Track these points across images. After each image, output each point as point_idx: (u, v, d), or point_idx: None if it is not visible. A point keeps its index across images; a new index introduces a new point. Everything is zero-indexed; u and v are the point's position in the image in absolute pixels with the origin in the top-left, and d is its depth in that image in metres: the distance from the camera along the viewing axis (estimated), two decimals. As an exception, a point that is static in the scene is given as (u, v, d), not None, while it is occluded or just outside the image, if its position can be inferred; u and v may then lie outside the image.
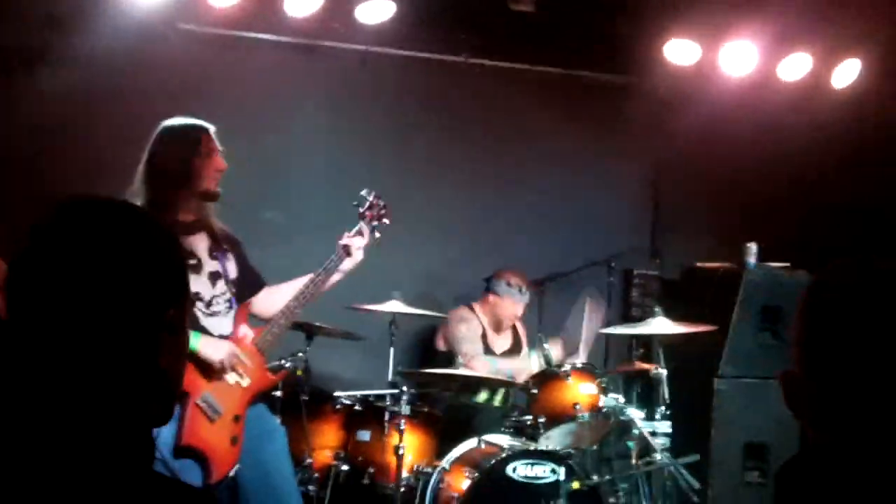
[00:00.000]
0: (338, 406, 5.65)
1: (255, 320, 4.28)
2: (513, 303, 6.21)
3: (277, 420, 4.43)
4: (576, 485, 5.00)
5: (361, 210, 4.35)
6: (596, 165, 7.37)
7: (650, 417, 5.41)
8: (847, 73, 7.17)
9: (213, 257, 4.09)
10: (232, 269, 4.16)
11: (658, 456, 5.31)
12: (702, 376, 6.00)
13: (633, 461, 5.38)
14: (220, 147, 4.09)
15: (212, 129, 4.10)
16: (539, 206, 7.20)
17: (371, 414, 5.59)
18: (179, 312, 1.60)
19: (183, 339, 1.63)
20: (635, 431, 5.40)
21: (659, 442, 5.33)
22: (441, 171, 7.08)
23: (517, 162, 7.28)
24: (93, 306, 1.48)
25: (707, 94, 7.05)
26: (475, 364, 5.86)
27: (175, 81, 6.09)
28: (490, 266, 6.49)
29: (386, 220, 4.40)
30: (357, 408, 5.64)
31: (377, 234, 4.39)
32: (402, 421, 5.26)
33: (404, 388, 5.32)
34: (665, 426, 5.36)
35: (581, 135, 7.35)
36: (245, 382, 4.02)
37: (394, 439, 5.24)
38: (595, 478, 5.18)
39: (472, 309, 6.29)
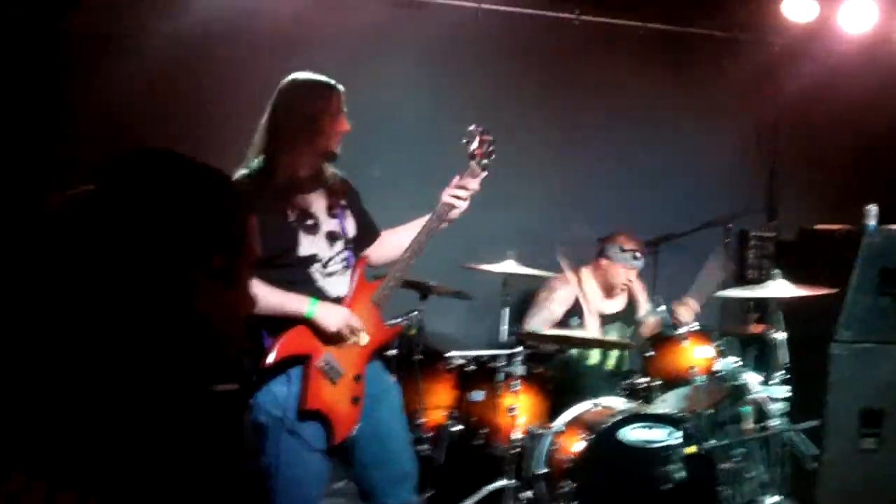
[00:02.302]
0: (451, 366, 5.69)
1: (371, 271, 4.25)
2: (626, 269, 6.14)
3: (392, 378, 4.43)
4: (690, 449, 4.98)
5: (471, 149, 4.22)
6: (709, 124, 7.25)
7: (767, 382, 5.34)
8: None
9: (331, 216, 4.05)
10: (350, 227, 4.14)
11: (774, 421, 5.24)
12: (819, 340, 5.89)
13: (749, 426, 5.34)
14: (344, 109, 4.05)
15: (340, 88, 4.03)
16: (651, 166, 7.12)
17: (484, 374, 5.61)
18: (230, 263, 1.65)
19: (236, 292, 1.69)
20: (751, 396, 5.36)
21: (775, 407, 5.26)
22: (551, 129, 7.05)
23: (628, 120, 7.20)
24: (133, 242, 1.56)
25: (825, 51, 6.88)
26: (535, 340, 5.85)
27: (282, 38, 6.15)
28: (602, 226, 6.44)
29: (493, 156, 4.25)
30: (470, 368, 5.68)
31: (486, 172, 4.24)
32: (516, 382, 5.28)
33: (518, 349, 5.34)
34: (782, 391, 5.28)
35: (694, 92, 7.25)
36: (364, 341, 4.02)
37: (507, 400, 5.26)
38: (710, 442, 5.12)
39: (576, 273, 6.24)
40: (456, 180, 4.18)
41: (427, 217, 4.19)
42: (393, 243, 4.27)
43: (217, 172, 1.72)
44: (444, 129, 6.32)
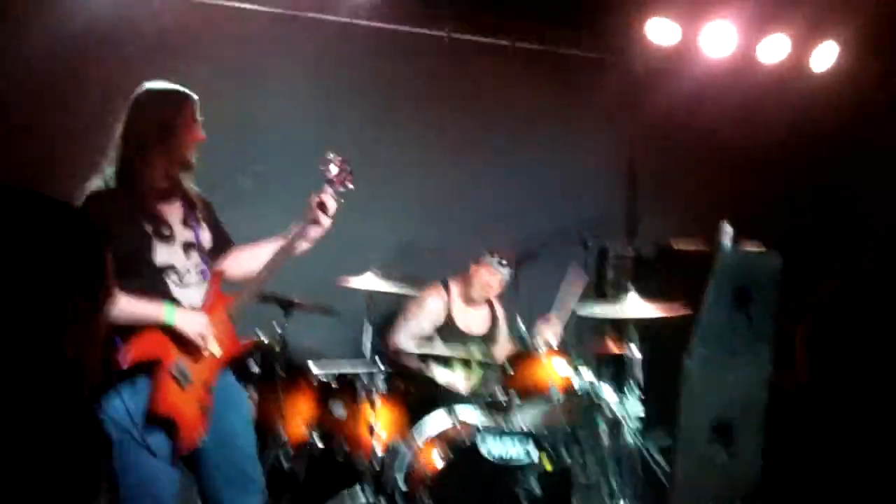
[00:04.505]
0: (314, 381, 5.70)
1: (226, 286, 4.21)
2: (489, 272, 6.27)
3: (243, 390, 4.42)
4: (548, 466, 5.08)
5: (329, 175, 4.25)
6: (575, 142, 7.40)
7: (623, 399, 5.48)
8: (825, 55, 7.23)
9: (187, 226, 4.05)
10: (206, 239, 4.13)
11: (629, 438, 5.40)
12: (674, 357, 6.05)
13: (605, 443, 5.46)
14: (200, 117, 4.03)
15: (194, 97, 4.02)
16: (518, 183, 7.23)
17: (347, 389, 5.63)
18: (89, 303, 1.66)
19: (98, 324, 1.69)
20: (608, 413, 5.48)
21: (631, 423, 5.42)
22: (419, 144, 7.10)
23: (495, 138, 7.30)
24: None
25: (686, 73, 7.09)
26: (400, 357, 5.94)
27: (155, 47, 6.07)
28: (467, 240, 6.54)
29: (350, 185, 4.30)
30: (333, 383, 5.69)
31: (341, 200, 4.29)
32: (378, 398, 5.32)
33: (380, 366, 5.38)
34: (638, 407, 5.44)
35: (561, 111, 7.39)
36: (217, 351, 4.02)
37: (368, 415, 5.30)
38: (566, 458, 5.23)
39: (444, 287, 6.33)
40: (312, 202, 4.19)
41: (285, 235, 4.21)
42: (250, 259, 4.26)
43: (72, 210, 1.71)
44: (318, 141, 6.36)
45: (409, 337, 6.12)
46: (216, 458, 4.09)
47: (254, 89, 6.41)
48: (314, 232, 4.21)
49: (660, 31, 7.03)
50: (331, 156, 4.27)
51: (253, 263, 4.21)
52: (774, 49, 7.20)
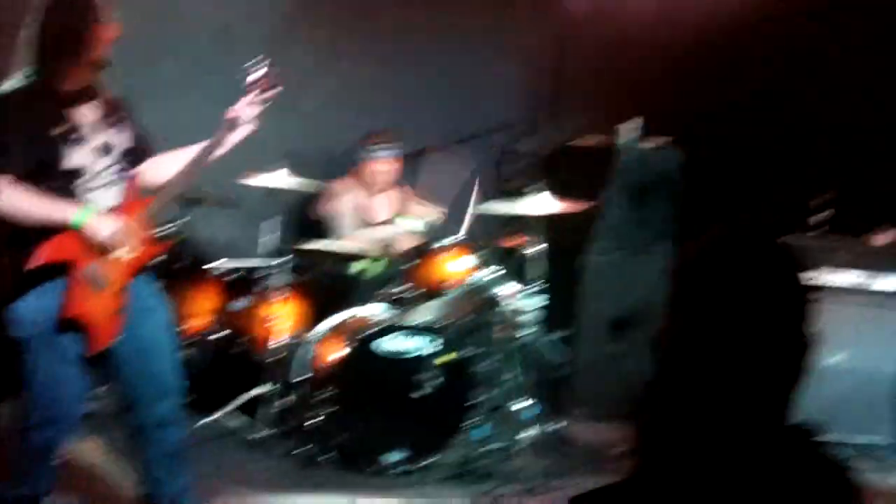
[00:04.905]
0: (217, 274, 5.71)
1: (145, 190, 4.16)
2: (378, 161, 6.28)
3: (161, 294, 4.39)
4: (445, 357, 5.17)
5: (251, 80, 4.17)
6: (495, 38, 7.32)
7: (524, 292, 5.56)
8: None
9: (101, 128, 3.96)
10: (124, 140, 4.04)
11: (529, 329, 5.50)
12: (575, 252, 6.15)
13: (504, 334, 5.54)
14: (115, 13, 3.91)
15: None
16: (432, 75, 7.14)
17: (250, 283, 5.66)
18: None
19: None
20: (509, 307, 5.56)
21: (531, 316, 5.51)
22: (332, 38, 7.00)
23: (409, 29, 7.20)
24: None
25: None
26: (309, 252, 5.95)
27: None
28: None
29: (275, 90, 4.28)
30: (236, 276, 5.70)
31: (264, 105, 4.26)
32: (279, 291, 5.36)
33: (283, 259, 5.40)
34: (538, 300, 5.53)
35: (484, 5, 7.29)
36: (132, 254, 4.00)
37: (270, 308, 5.34)
38: (465, 350, 5.31)
39: (347, 180, 6.34)
40: (233, 109, 4.16)
41: (206, 141, 4.15)
42: (168, 163, 4.19)
43: None
44: (241, 37, 6.29)
45: (323, 230, 6.12)
46: (132, 365, 4.06)
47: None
48: (235, 137, 4.17)
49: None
50: (254, 61, 4.21)
51: (171, 168, 4.14)
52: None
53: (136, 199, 4.07)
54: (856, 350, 5.69)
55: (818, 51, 6.91)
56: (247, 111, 4.16)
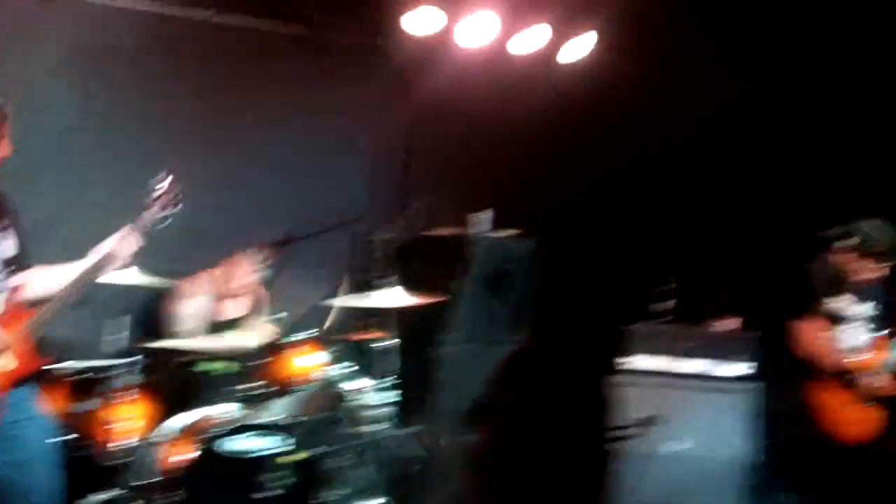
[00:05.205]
0: (64, 375, 5.59)
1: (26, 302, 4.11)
2: (249, 267, 6.26)
3: (40, 405, 4.29)
4: (294, 457, 5.15)
5: (151, 198, 4.26)
6: (341, 129, 7.42)
7: (377, 387, 5.58)
8: (577, 48, 7.40)
9: None
10: (9, 248, 4.01)
11: (381, 425, 5.52)
12: (429, 344, 6.20)
13: (356, 430, 5.55)
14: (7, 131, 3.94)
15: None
16: (283, 169, 7.21)
17: (98, 383, 5.55)
18: None
19: None
20: (362, 402, 5.58)
21: (382, 411, 5.54)
22: (187, 131, 7.00)
23: (267, 123, 7.26)
24: None
25: (445, 63, 7.17)
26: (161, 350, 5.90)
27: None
28: (235, 227, 6.49)
29: (178, 206, 4.31)
30: (82, 377, 5.59)
31: (167, 222, 4.29)
32: (128, 392, 5.29)
33: (131, 358, 5.33)
34: (392, 395, 5.57)
35: (331, 97, 7.37)
36: (10, 366, 3.92)
37: (119, 410, 5.25)
38: (315, 448, 5.26)
39: (201, 279, 6.30)
40: (127, 230, 4.15)
41: (89, 262, 4.15)
42: (51, 277, 4.15)
43: None
44: (88, 130, 6.23)
45: (172, 330, 6.05)
46: (4, 477, 3.97)
47: (18, 75, 6.15)
48: (124, 252, 4.17)
49: (421, 21, 7.06)
50: (157, 178, 4.25)
51: (54, 282, 4.10)
52: (531, 40, 7.30)
53: (20, 310, 4.00)
54: (698, 435, 5.82)
55: (659, 144, 7.19)
56: (137, 235, 4.14)
